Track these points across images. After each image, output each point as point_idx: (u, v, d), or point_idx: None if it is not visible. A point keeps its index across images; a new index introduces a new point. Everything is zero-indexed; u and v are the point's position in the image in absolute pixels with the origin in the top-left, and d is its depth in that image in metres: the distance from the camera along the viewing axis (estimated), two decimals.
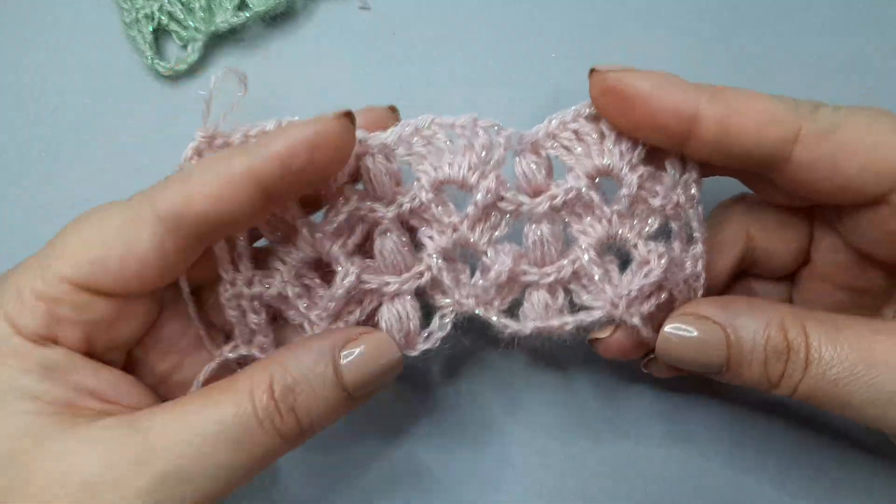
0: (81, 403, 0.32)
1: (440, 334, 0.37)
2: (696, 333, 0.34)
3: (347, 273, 0.35)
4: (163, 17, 0.45)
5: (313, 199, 0.36)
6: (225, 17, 0.45)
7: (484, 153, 0.35)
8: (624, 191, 0.35)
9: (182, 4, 0.45)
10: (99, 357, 0.34)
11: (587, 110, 0.35)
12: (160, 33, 0.46)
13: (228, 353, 0.36)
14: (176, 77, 0.45)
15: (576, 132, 0.35)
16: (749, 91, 0.33)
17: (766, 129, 0.32)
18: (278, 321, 0.38)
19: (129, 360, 0.36)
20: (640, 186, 0.35)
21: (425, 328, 0.37)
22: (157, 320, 0.36)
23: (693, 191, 0.35)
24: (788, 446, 0.42)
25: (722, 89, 0.33)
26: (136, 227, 0.32)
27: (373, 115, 0.37)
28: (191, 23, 0.45)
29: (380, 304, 0.36)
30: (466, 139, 0.35)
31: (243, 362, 0.36)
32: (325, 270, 0.36)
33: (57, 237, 0.33)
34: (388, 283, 0.36)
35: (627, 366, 0.41)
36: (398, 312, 0.36)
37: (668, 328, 0.34)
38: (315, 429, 0.33)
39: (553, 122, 0.35)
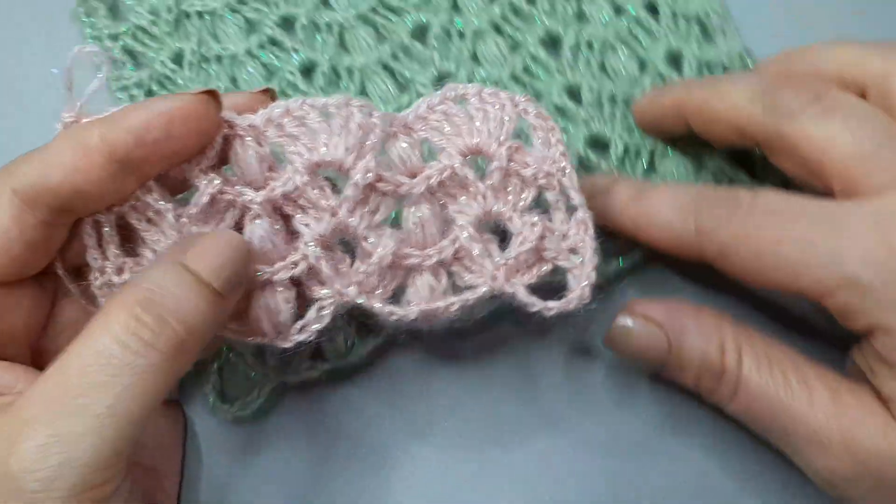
0: None
1: (316, 326, 0.35)
2: (640, 333, 0.36)
3: None
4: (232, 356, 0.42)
5: (182, 185, 0.36)
6: (298, 370, 0.40)
7: (360, 133, 0.34)
8: (495, 163, 0.35)
9: (255, 357, 0.41)
10: None
11: (452, 93, 0.36)
12: (225, 369, 0.43)
13: None
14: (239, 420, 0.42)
15: (444, 114, 0.36)
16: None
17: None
18: None
19: (37, 354, 0.35)
20: (510, 159, 0.35)
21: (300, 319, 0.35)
22: (55, 307, 0.36)
23: (563, 164, 0.35)
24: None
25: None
26: None
27: (246, 98, 0.36)
28: (259, 369, 0.41)
29: (251, 295, 0.35)
30: (342, 119, 0.34)
31: None
32: None
33: None
34: (257, 272, 0.34)
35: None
36: (266, 303, 0.35)
37: (619, 321, 0.36)
38: (196, 336, 0.30)
39: (422, 105, 0.36)
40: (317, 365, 0.40)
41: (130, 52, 0.45)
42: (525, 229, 0.35)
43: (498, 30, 0.45)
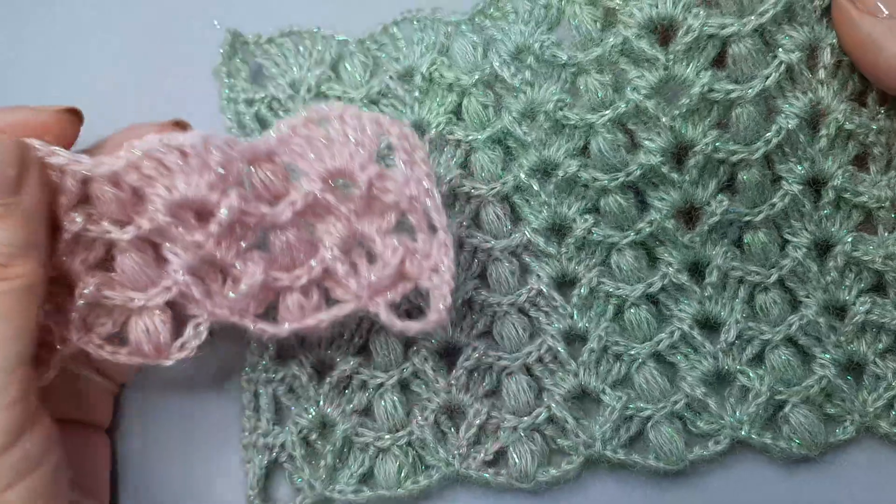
0: None
1: (195, 343, 0.37)
2: None
3: (87, 285, 0.36)
4: (281, 456, 0.41)
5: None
6: (344, 489, 0.40)
7: (222, 170, 0.35)
8: (355, 190, 0.36)
9: (305, 444, 0.42)
10: None
11: (315, 115, 0.36)
12: (273, 466, 0.42)
13: None
14: None
15: (306, 137, 0.36)
16: None
17: None
18: None
19: None
20: (370, 185, 0.36)
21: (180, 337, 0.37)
22: None
23: (425, 184, 0.36)
24: None
25: None
26: None
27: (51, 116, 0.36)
28: (309, 477, 0.41)
29: (129, 317, 0.37)
30: (200, 159, 0.34)
31: None
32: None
33: None
34: (132, 299, 0.36)
35: None
36: (145, 326, 0.36)
37: None
38: (32, 240, 0.33)
39: (283, 127, 0.36)
40: (363, 489, 0.40)
41: (262, 121, 0.45)
42: (387, 252, 0.36)
43: (634, 190, 0.41)
